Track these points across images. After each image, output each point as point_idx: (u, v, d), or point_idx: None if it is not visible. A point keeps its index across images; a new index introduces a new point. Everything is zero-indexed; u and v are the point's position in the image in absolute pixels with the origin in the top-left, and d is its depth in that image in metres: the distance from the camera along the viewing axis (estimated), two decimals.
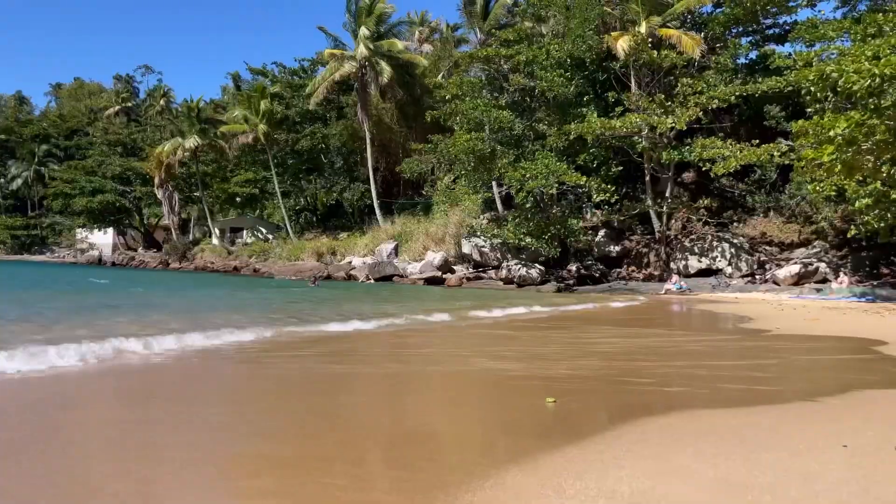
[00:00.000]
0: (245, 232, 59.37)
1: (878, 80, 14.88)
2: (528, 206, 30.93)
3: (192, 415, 5.64)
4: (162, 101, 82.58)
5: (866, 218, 20.10)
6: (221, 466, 4.24)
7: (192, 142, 52.64)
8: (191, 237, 62.67)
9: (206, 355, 8.90)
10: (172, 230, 59.31)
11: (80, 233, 69.33)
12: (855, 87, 15.21)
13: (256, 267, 46.26)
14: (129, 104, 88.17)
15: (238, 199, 57.48)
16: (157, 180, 56.65)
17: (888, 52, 15.69)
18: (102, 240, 67.73)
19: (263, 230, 57.94)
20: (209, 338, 9.89)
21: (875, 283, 25.19)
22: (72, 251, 69.73)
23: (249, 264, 47.49)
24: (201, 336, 9.89)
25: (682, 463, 4.24)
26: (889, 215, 19.67)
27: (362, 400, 6.62)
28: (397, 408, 6.34)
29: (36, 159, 76.64)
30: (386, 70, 42.92)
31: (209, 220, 57.67)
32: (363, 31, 43.45)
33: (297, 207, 57.59)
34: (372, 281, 32.91)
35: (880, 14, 20.69)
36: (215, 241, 56.50)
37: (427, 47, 53.90)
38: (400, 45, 45.30)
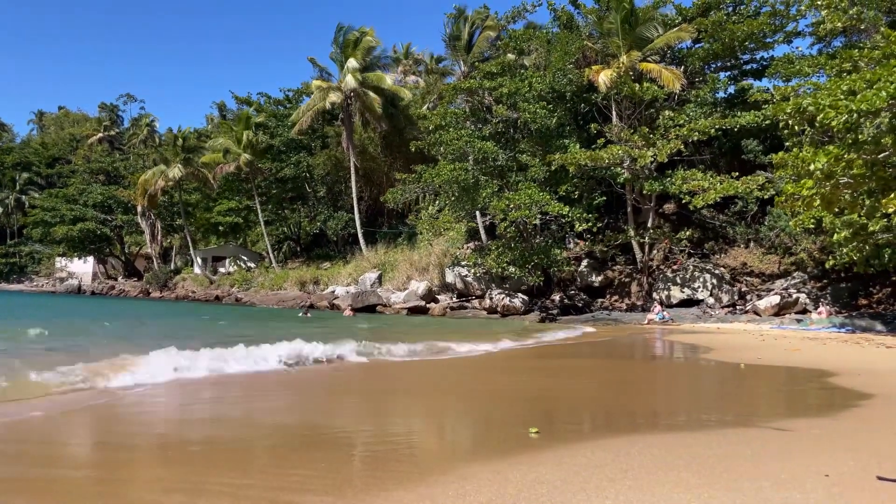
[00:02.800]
0: (227, 261, 59.01)
1: (854, 115, 15.18)
2: (511, 235, 31.06)
3: None
4: (146, 130, 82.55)
5: (844, 250, 20.35)
6: None
7: (175, 171, 52.51)
8: (172, 266, 62.17)
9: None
10: (154, 259, 58.88)
11: (60, 261, 68.57)
12: (833, 123, 15.51)
13: (238, 296, 45.96)
14: (113, 132, 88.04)
15: (220, 227, 57.25)
16: (139, 208, 56.38)
17: (864, 87, 16.03)
18: (82, 268, 66.99)
19: (246, 259, 57.65)
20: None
21: (854, 313, 25.44)
22: (51, 280, 68.87)
23: (231, 293, 47.18)
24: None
25: (665, 493, 4.22)
26: (866, 247, 19.95)
27: None
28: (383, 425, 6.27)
29: (17, 187, 76.02)
30: (372, 101, 43.27)
31: (191, 248, 57.33)
32: (350, 62, 43.88)
33: (280, 236, 57.47)
34: (353, 314, 32.27)
35: (855, 50, 21.20)
36: (197, 269, 56.10)
37: (411, 79, 54.43)
38: (385, 76, 45.77)
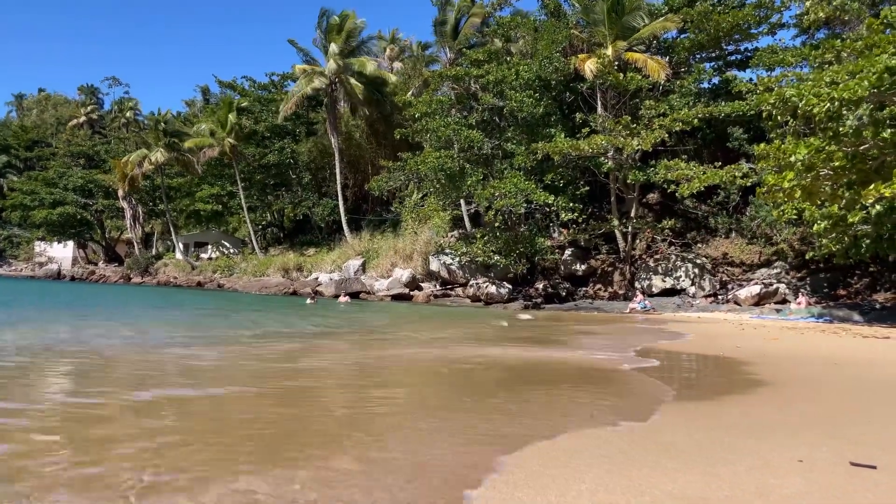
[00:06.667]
0: (210, 247, 58.63)
1: (836, 104, 15.31)
2: (497, 224, 31.10)
3: None
4: (128, 114, 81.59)
5: (824, 241, 20.56)
6: None
7: (157, 155, 51.96)
8: (153, 251, 61.66)
9: None
10: (135, 244, 58.33)
11: (39, 245, 67.82)
12: (815, 111, 15.63)
13: (221, 282, 45.73)
14: (94, 116, 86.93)
15: (203, 213, 56.80)
16: (120, 192, 55.78)
17: (846, 78, 16.16)
18: (62, 253, 66.27)
19: (228, 245, 57.28)
20: None
21: (832, 304, 25.75)
22: (30, 264, 68.09)
23: (214, 279, 46.92)
24: None
25: (642, 477, 4.26)
26: (846, 239, 20.17)
27: None
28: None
29: None
30: (356, 86, 43.01)
31: (173, 234, 56.86)
32: (333, 47, 43.52)
33: (263, 223, 57.15)
34: (349, 301, 31.89)
35: (838, 41, 21.35)
36: (179, 255, 55.69)
37: (397, 65, 54.13)
38: (370, 62, 45.46)
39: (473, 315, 24.87)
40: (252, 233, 50.92)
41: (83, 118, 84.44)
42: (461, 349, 12.68)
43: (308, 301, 29.64)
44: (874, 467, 4.41)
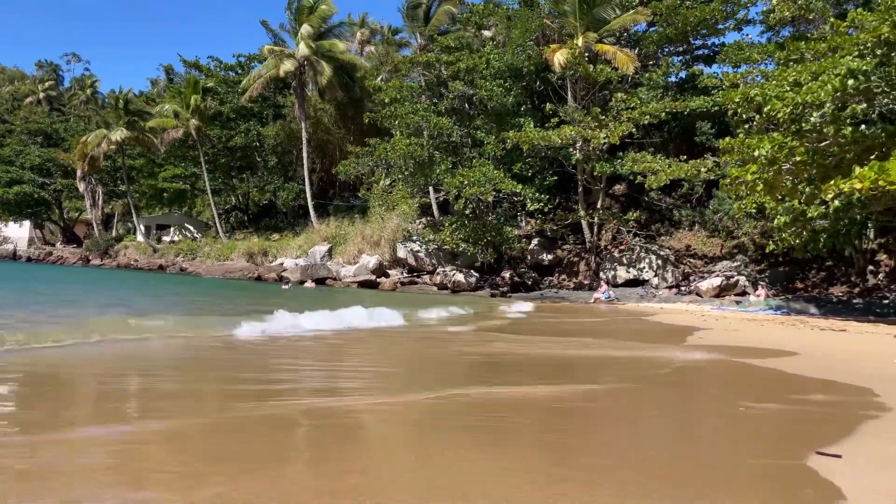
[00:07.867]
0: (172, 229, 57.65)
1: (800, 107, 15.70)
2: (467, 212, 31.21)
3: None
4: (88, 91, 79.50)
5: (784, 235, 21.10)
6: None
7: (118, 134, 50.70)
8: (114, 233, 60.37)
9: None
10: (94, 225, 57.02)
11: None
12: (779, 115, 16.02)
13: (184, 266, 45.07)
14: (53, 93, 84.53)
15: (165, 195, 55.71)
16: (79, 172, 54.37)
17: (809, 79, 16.56)
18: (17, 233, 64.44)
19: (192, 228, 56.39)
20: None
21: (790, 296, 26.48)
22: None
23: (176, 263, 46.23)
24: None
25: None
26: (804, 233, 20.73)
27: None
28: None
29: None
30: (325, 70, 42.57)
31: (134, 215, 55.69)
32: (304, 28, 42.97)
33: (227, 206, 56.35)
34: (315, 287, 31.71)
35: (802, 42, 21.82)
36: (140, 237, 54.63)
37: (368, 49, 53.71)
38: (340, 45, 45.04)
39: (473, 304, 25.00)
40: (216, 216, 50.16)
41: (41, 94, 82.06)
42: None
43: (284, 286, 30.18)
44: (839, 456, 4.60)
